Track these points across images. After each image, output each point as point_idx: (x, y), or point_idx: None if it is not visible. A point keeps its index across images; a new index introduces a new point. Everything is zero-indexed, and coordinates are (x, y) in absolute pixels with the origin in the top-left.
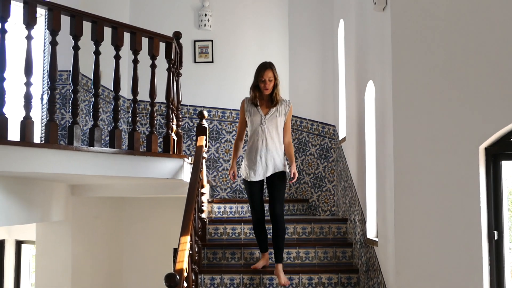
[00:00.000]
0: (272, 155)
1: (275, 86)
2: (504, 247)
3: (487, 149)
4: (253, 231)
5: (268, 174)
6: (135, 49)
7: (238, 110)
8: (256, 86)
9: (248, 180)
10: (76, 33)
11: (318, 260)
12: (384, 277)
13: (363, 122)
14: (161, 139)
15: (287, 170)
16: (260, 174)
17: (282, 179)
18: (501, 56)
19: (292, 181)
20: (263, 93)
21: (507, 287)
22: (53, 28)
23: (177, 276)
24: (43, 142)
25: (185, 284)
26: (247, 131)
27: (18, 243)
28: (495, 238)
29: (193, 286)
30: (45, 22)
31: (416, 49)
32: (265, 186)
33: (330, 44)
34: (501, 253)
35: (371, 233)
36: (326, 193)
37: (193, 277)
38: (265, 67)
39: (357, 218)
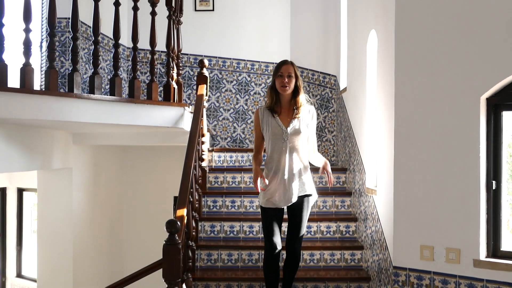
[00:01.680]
0: (297, 177)
1: (297, 87)
2: (502, 197)
3: (488, 100)
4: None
5: (294, 200)
6: None
7: (239, 59)
8: (274, 89)
9: (268, 207)
10: None
11: (317, 209)
12: (382, 226)
13: (364, 72)
14: (161, 88)
15: (314, 192)
16: (282, 201)
17: (307, 204)
18: (505, 4)
19: (330, 184)
20: (282, 95)
21: (503, 237)
22: None
23: (178, 223)
24: (43, 89)
25: (185, 230)
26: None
27: (20, 191)
28: (493, 188)
29: (194, 233)
30: None
31: None
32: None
33: None
34: (498, 203)
35: (370, 183)
36: (326, 143)
37: (194, 224)
38: (285, 62)
39: (356, 168)
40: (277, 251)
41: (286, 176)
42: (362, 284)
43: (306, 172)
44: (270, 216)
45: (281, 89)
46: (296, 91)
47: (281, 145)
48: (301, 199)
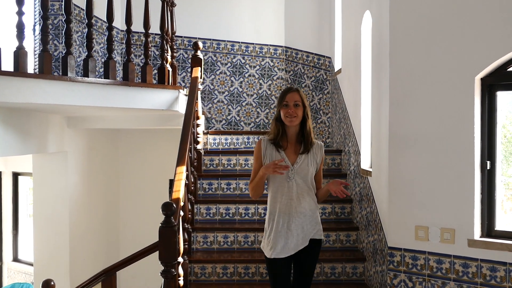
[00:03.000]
0: (305, 220)
1: (305, 118)
2: (496, 176)
3: (483, 80)
4: (248, 162)
5: (302, 247)
6: None
7: (233, 42)
8: (279, 120)
9: (272, 257)
10: None
11: None
12: (377, 206)
13: (359, 53)
14: (155, 71)
15: (322, 237)
16: (290, 249)
17: (317, 249)
18: None
19: (345, 194)
20: (288, 127)
21: (497, 217)
22: None
23: (174, 205)
24: (37, 72)
25: (181, 212)
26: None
27: (15, 175)
28: (488, 168)
29: (189, 215)
30: None
31: None
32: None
33: None
34: (492, 183)
35: (365, 164)
36: (320, 125)
37: (189, 207)
38: (290, 89)
39: (351, 150)
40: None
41: (293, 220)
42: (357, 265)
43: (315, 213)
44: (277, 266)
45: (287, 120)
46: (304, 122)
47: (286, 185)
48: (312, 244)
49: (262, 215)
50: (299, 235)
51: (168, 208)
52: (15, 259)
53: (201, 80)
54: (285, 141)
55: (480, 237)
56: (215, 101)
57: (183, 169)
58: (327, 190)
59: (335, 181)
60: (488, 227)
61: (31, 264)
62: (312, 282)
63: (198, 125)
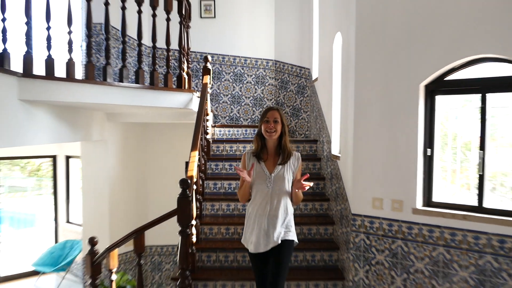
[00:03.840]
0: (280, 222)
1: (283, 133)
2: (434, 161)
3: (426, 86)
4: (246, 148)
5: (272, 245)
6: (154, 5)
7: (235, 56)
8: (260, 135)
9: (251, 252)
10: None
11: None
12: (344, 183)
13: (331, 65)
14: (175, 78)
15: (296, 238)
16: (261, 247)
17: (289, 249)
18: (436, 15)
19: (308, 186)
20: (268, 141)
21: (434, 191)
22: None
23: (189, 181)
24: (83, 78)
25: (194, 186)
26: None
27: (67, 158)
28: (428, 154)
29: (201, 189)
30: None
31: (375, 6)
32: None
33: (307, 4)
34: (432, 166)
35: (335, 150)
36: (301, 121)
37: (201, 182)
38: (272, 108)
39: (325, 140)
40: None
41: (267, 221)
42: (328, 227)
43: (288, 217)
44: (253, 259)
45: (267, 134)
46: (281, 137)
47: (265, 190)
48: (283, 243)
49: None
50: (270, 236)
51: (184, 183)
52: (68, 221)
53: (210, 85)
54: (265, 153)
55: (422, 206)
56: (220, 102)
57: (196, 153)
58: (294, 192)
59: (295, 182)
60: (428, 199)
61: (80, 225)
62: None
63: (207, 120)
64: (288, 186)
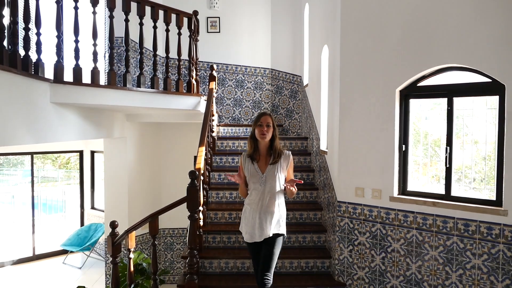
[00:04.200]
0: (272, 217)
1: (274, 136)
2: (408, 155)
3: (401, 91)
4: (246, 145)
5: (265, 237)
6: (167, 21)
7: (237, 65)
8: (254, 138)
9: (247, 241)
10: (127, 10)
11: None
12: (331, 174)
13: (320, 73)
14: (185, 84)
15: (284, 233)
16: (255, 237)
17: (279, 242)
18: (410, 30)
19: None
20: (260, 143)
21: (409, 182)
22: (111, 6)
23: (197, 172)
24: (106, 84)
25: (201, 177)
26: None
27: (92, 153)
28: (403, 150)
29: (207, 179)
30: (105, 2)
31: (358, 22)
32: None
33: (299, 20)
34: (406, 159)
35: (323, 146)
36: (294, 121)
37: (207, 174)
38: (264, 113)
39: (314, 137)
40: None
41: (260, 216)
42: (317, 212)
43: (280, 212)
44: (250, 248)
45: (260, 137)
46: (273, 140)
47: (258, 188)
48: (275, 236)
49: None
50: (262, 229)
51: (193, 174)
52: (92, 207)
53: (215, 90)
54: (258, 155)
55: (398, 195)
56: (224, 104)
57: (203, 149)
58: (287, 188)
59: (287, 180)
60: (403, 188)
61: (103, 211)
62: (286, 224)
63: (213, 120)
64: (279, 184)
